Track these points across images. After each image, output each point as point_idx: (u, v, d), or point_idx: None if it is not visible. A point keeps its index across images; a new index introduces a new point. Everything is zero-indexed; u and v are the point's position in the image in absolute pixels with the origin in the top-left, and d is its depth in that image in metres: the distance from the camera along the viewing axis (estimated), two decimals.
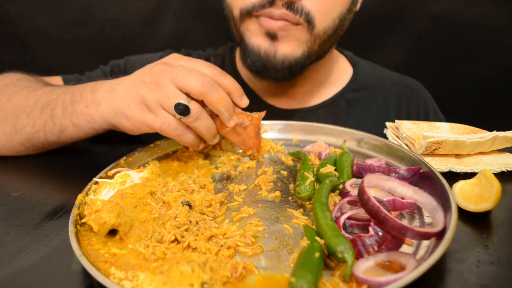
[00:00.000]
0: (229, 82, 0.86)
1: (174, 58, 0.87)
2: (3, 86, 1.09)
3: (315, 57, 1.11)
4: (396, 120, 1.01)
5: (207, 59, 1.39)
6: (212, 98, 0.82)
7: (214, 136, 0.90)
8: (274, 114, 1.28)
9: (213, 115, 0.87)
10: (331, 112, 1.29)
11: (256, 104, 1.29)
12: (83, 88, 0.94)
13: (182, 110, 0.81)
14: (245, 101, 0.89)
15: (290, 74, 1.10)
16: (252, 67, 1.11)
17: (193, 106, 0.81)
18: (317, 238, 0.60)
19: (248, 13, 1.03)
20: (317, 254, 0.56)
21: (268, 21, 1.01)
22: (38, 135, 0.98)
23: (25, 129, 0.98)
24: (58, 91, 0.99)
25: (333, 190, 0.77)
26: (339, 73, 1.33)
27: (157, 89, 0.81)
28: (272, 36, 1.03)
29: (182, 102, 0.80)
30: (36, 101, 0.99)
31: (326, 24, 1.04)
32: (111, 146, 1.17)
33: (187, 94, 0.82)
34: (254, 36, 1.06)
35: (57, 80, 1.30)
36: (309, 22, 1.00)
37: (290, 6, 0.98)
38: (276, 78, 1.12)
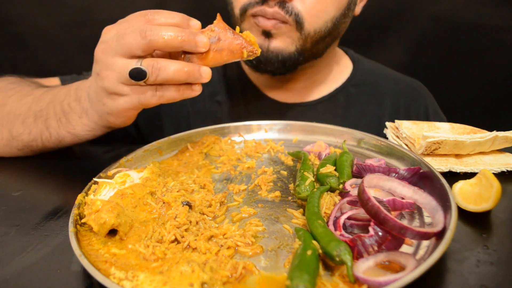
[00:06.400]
0: (167, 17, 0.76)
1: (105, 33, 0.81)
2: None
3: (309, 54, 1.15)
4: (396, 120, 1.01)
5: None
6: (159, 42, 0.73)
7: (195, 74, 0.76)
8: (275, 107, 1.30)
9: (188, 55, 0.79)
10: (330, 107, 1.30)
11: (257, 97, 1.31)
12: (68, 96, 0.93)
13: (138, 74, 0.73)
14: (194, 24, 0.79)
15: (284, 68, 1.14)
16: (248, 62, 1.17)
17: (146, 63, 0.73)
18: (314, 242, 0.60)
19: (245, 11, 1.07)
20: (309, 252, 0.56)
21: (263, 20, 1.06)
22: (35, 142, 0.98)
23: (21, 136, 0.98)
24: (47, 97, 0.98)
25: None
26: (340, 70, 1.36)
27: (109, 72, 0.77)
28: (266, 34, 1.09)
29: (133, 67, 0.73)
30: (28, 109, 0.98)
31: (316, 26, 1.07)
32: (111, 146, 1.17)
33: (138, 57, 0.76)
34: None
35: (55, 81, 1.30)
36: (298, 22, 1.04)
37: (282, 5, 1.03)
38: (271, 71, 1.16)
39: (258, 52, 0.81)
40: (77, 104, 0.91)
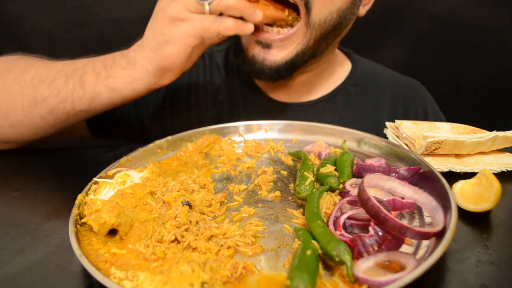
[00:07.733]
0: None
1: None
2: (12, 60, 1.07)
3: (310, 54, 1.12)
4: (396, 120, 1.01)
5: (210, 55, 1.41)
6: None
7: (251, 9, 0.91)
8: (274, 107, 1.29)
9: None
10: (329, 107, 1.30)
11: (258, 97, 1.31)
12: (112, 55, 0.98)
13: None
14: None
15: (279, 76, 1.13)
16: (241, 66, 1.20)
17: None
18: (314, 242, 0.60)
19: None
20: (308, 252, 0.56)
21: (268, 35, 1.05)
22: (63, 104, 0.97)
23: (47, 100, 0.96)
24: (83, 61, 1.00)
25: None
26: (340, 70, 1.36)
27: (176, 1, 0.89)
28: (265, 45, 1.08)
29: None
30: (58, 71, 0.98)
31: (322, 15, 1.04)
32: (111, 146, 1.17)
33: None
34: (247, 41, 1.13)
35: None
36: (307, 7, 1.01)
37: None
38: (264, 78, 1.15)
39: (295, 16, 1.03)
40: (123, 58, 0.96)
